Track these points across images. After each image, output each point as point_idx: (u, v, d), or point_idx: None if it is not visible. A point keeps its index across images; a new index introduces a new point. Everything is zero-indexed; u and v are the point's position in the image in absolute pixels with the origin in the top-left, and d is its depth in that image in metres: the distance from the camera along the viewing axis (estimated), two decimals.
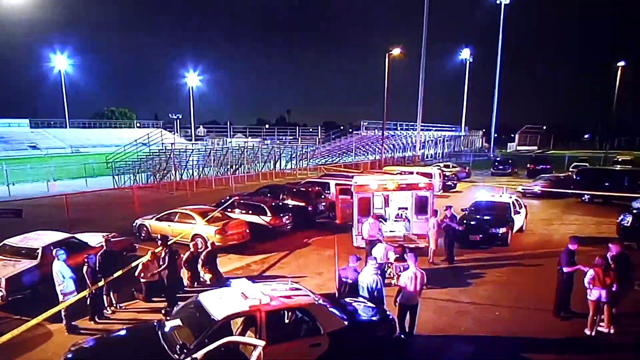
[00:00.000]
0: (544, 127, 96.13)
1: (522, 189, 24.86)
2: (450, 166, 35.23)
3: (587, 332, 8.47)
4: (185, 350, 5.85)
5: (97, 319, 9.09)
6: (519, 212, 15.91)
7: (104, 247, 9.54)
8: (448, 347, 8.20)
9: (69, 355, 6.45)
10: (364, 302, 7.92)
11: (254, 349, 5.68)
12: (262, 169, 38.41)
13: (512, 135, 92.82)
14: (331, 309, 7.12)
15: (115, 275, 9.29)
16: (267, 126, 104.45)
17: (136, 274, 9.88)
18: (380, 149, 46.25)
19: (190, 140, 67.40)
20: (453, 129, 71.10)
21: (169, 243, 10.21)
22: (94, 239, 11.95)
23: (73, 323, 8.68)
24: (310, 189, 19.47)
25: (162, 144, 34.42)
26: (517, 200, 16.66)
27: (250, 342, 5.92)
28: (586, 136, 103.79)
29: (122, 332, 7.42)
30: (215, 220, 14.17)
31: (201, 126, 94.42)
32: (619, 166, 33.22)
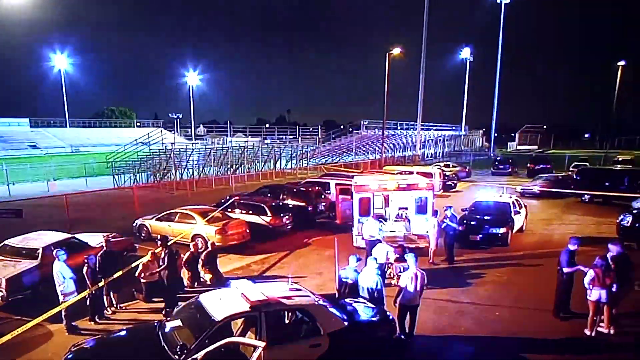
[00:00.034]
0: (544, 127, 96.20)
1: (522, 189, 24.82)
2: (451, 166, 35.21)
3: (587, 332, 8.47)
4: (185, 351, 5.85)
5: (97, 320, 9.10)
6: (519, 212, 15.91)
7: (104, 248, 9.54)
8: (448, 347, 8.20)
9: (70, 356, 6.46)
10: (364, 303, 7.92)
11: (254, 350, 5.70)
12: (262, 168, 38.41)
13: (513, 135, 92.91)
14: (331, 310, 7.13)
15: (115, 275, 9.30)
16: (267, 125, 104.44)
17: (136, 274, 9.88)
18: (381, 148, 46.24)
19: (191, 139, 67.37)
20: (453, 128, 71.10)
21: (168, 243, 10.21)
22: (94, 239, 11.96)
23: (73, 323, 8.68)
24: (310, 189, 19.48)
25: (162, 143, 34.43)
26: (517, 200, 16.66)
27: (250, 343, 5.94)
28: (586, 136, 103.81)
29: (123, 333, 7.42)
30: (215, 220, 14.18)
31: (201, 125, 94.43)
32: (619, 166, 33.22)
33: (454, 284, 11.16)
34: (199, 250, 11.66)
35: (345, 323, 6.97)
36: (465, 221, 14.43)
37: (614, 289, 8.14)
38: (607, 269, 8.15)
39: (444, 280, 11.31)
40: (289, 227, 16.24)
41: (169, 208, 15.75)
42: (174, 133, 69.83)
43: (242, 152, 37.70)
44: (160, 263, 9.80)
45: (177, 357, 5.88)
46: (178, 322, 6.74)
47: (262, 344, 5.75)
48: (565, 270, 8.94)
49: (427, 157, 57.57)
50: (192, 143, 55.21)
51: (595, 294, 8.23)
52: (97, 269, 9.03)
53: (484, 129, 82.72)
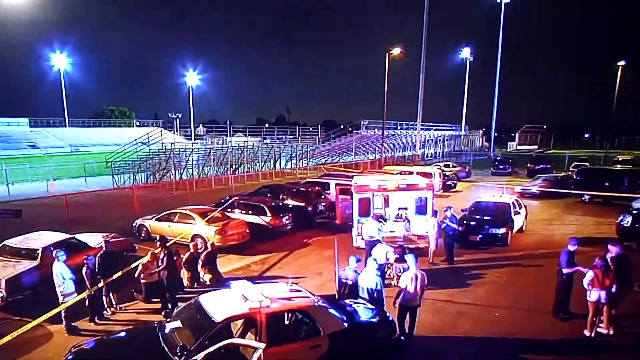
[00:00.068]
0: (544, 127, 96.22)
1: (521, 189, 24.80)
2: (450, 166, 35.21)
3: (587, 333, 8.47)
4: (185, 352, 5.85)
5: (97, 320, 9.10)
6: (519, 213, 15.91)
7: (104, 249, 9.54)
8: (447, 348, 8.21)
9: (70, 357, 6.46)
10: (364, 304, 7.93)
11: (255, 351, 5.70)
12: (261, 168, 38.41)
13: (513, 135, 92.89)
14: (331, 311, 7.13)
15: (115, 276, 9.29)
16: (266, 125, 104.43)
17: (136, 274, 9.88)
18: (380, 148, 46.25)
19: (190, 139, 67.37)
20: (453, 128, 71.10)
21: (168, 244, 10.22)
22: (94, 239, 11.97)
23: (73, 324, 8.69)
24: (310, 189, 19.47)
25: (162, 143, 34.42)
26: (517, 200, 16.66)
27: (250, 345, 5.94)
28: (586, 135, 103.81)
29: (123, 334, 7.41)
30: (215, 221, 14.18)
31: (201, 125, 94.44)
32: (619, 166, 33.23)
33: (453, 285, 11.17)
34: (199, 251, 11.66)
35: (345, 324, 6.97)
36: (465, 221, 14.45)
37: (613, 290, 8.15)
38: (606, 270, 8.16)
39: (444, 280, 11.31)
40: (288, 227, 16.23)
41: (169, 208, 15.75)
42: (174, 133, 69.81)
43: (242, 152, 37.70)
44: (159, 264, 9.80)
45: (177, 358, 5.88)
46: (178, 323, 6.74)
47: (262, 345, 5.75)
48: (565, 270, 8.94)
49: (427, 157, 57.60)
50: (192, 143, 55.22)
51: (594, 294, 8.23)
52: (96, 270, 9.02)
53: (484, 129, 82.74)
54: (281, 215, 16.07)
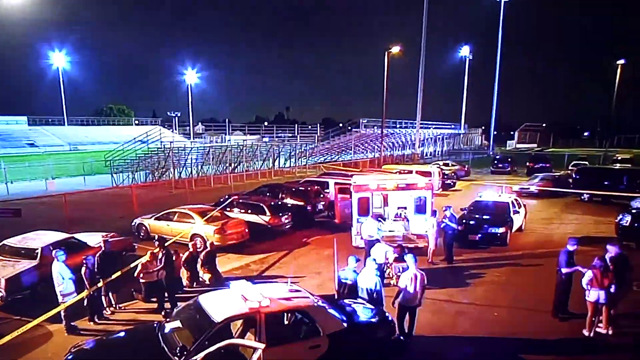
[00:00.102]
0: (544, 125, 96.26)
1: (519, 188, 24.77)
2: (450, 164, 35.20)
3: (586, 333, 8.49)
4: (185, 352, 5.86)
5: (96, 320, 9.09)
6: (518, 212, 15.91)
7: (103, 248, 9.54)
8: (447, 348, 8.22)
9: (70, 357, 6.46)
10: (363, 304, 7.93)
11: (254, 352, 5.70)
12: (261, 167, 38.39)
13: (512, 133, 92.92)
14: (330, 311, 7.13)
15: (114, 276, 9.29)
16: (265, 124, 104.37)
17: (135, 274, 9.87)
18: (380, 147, 46.25)
19: (189, 137, 67.31)
20: (452, 126, 71.13)
21: (166, 244, 10.22)
22: (93, 239, 11.96)
23: (73, 324, 8.68)
24: (309, 188, 19.46)
25: (161, 142, 34.39)
26: (516, 199, 16.67)
27: (250, 345, 5.94)
28: (586, 134, 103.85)
29: (122, 334, 7.40)
30: (214, 220, 14.17)
31: (200, 124, 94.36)
32: (618, 165, 33.27)
33: (453, 284, 11.18)
34: (198, 250, 11.65)
35: (345, 324, 6.98)
36: (464, 221, 14.45)
37: (612, 290, 8.16)
38: (605, 270, 8.17)
39: (443, 280, 11.32)
40: (287, 226, 16.23)
41: (168, 207, 15.73)
42: (173, 131, 69.75)
43: (241, 150, 37.68)
44: (158, 263, 9.79)
45: (176, 358, 5.88)
46: (177, 323, 6.74)
47: (262, 345, 5.75)
48: (564, 270, 8.95)
49: (426, 155, 57.63)
50: (191, 141, 55.18)
51: (593, 294, 8.24)
52: (95, 270, 9.01)
53: (483, 127, 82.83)
54: (280, 214, 16.06)
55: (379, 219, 13.32)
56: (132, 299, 10.07)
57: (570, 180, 25.40)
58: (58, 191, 22.09)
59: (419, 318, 8.28)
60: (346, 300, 8.10)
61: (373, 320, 7.45)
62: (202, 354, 5.80)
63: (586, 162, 36.31)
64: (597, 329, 8.50)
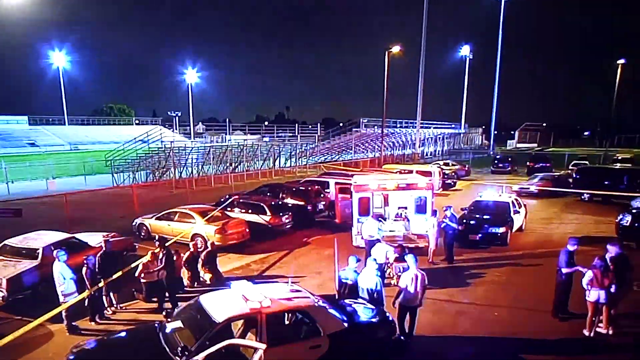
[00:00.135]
0: (544, 124, 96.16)
1: (518, 188, 24.75)
2: (450, 164, 35.18)
3: (586, 333, 8.50)
4: (186, 353, 5.87)
5: (97, 320, 9.11)
6: (518, 212, 15.92)
7: (103, 249, 9.55)
8: (447, 348, 8.23)
9: (71, 357, 6.46)
10: (364, 304, 7.94)
11: (255, 352, 5.72)
12: (261, 167, 38.40)
13: (512, 133, 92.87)
14: (331, 311, 7.15)
15: (115, 276, 9.31)
16: (266, 123, 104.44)
17: (136, 274, 9.89)
18: (380, 146, 46.26)
19: (189, 137, 67.37)
20: (453, 126, 71.13)
21: (167, 244, 10.24)
22: (94, 238, 11.98)
23: (74, 323, 8.70)
24: (309, 188, 19.48)
25: (162, 141, 34.40)
26: (516, 199, 16.68)
27: (251, 345, 5.95)
28: (586, 133, 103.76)
29: (123, 334, 7.43)
30: (215, 220, 14.19)
31: (200, 123, 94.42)
32: (618, 164, 33.25)
33: (453, 284, 11.19)
34: (199, 250, 11.67)
35: (345, 324, 6.99)
36: (464, 220, 14.45)
37: (612, 290, 8.17)
38: (605, 270, 8.18)
39: (444, 280, 11.33)
40: (288, 226, 16.24)
41: (168, 207, 15.75)
42: (173, 131, 69.80)
43: (241, 150, 37.70)
44: (158, 263, 9.81)
45: (178, 358, 5.90)
46: (179, 323, 6.76)
47: (263, 345, 5.77)
48: (564, 270, 8.96)
49: (427, 155, 57.61)
50: (191, 141, 55.21)
51: (593, 294, 8.25)
52: (96, 270, 9.03)
53: (484, 127, 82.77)
54: (281, 214, 16.07)
55: (380, 218, 13.33)
56: (133, 299, 10.09)
57: (571, 180, 25.39)
58: (59, 191, 22.14)
59: (420, 318, 8.29)
60: (347, 300, 8.11)
61: (374, 320, 7.46)
62: (203, 354, 5.82)
63: (586, 162, 36.30)
64: (598, 329, 8.51)
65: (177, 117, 76.91)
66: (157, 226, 14.96)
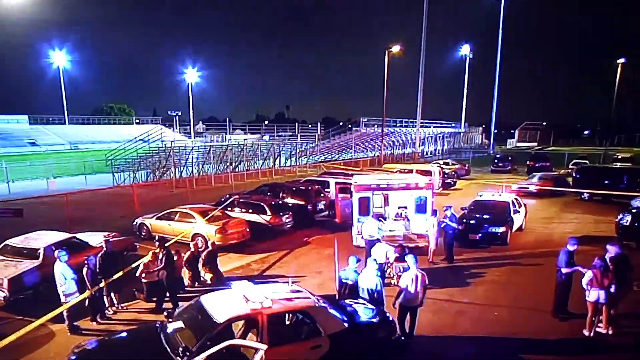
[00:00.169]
0: (544, 123, 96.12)
1: (517, 187, 24.65)
2: (450, 163, 35.20)
3: (586, 332, 8.52)
4: (187, 353, 5.89)
5: (98, 320, 9.14)
6: (518, 211, 15.93)
7: (104, 249, 9.57)
8: (447, 348, 8.25)
9: (72, 357, 6.48)
10: (364, 304, 7.96)
11: (256, 352, 5.74)
12: (261, 166, 38.42)
13: (512, 132, 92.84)
14: (331, 311, 7.17)
15: (116, 276, 9.33)
16: (266, 122, 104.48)
17: (137, 274, 9.91)
18: (380, 145, 46.26)
19: (189, 137, 67.38)
20: (453, 125, 71.10)
21: (166, 244, 10.26)
22: (95, 238, 12.00)
23: (75, 323, 8.72)
24: (309, 188, 19.49)
25: (162, 141, 34.41)
26: (516, 199, 16.69)
27: (252, 346, 5.98)
28: (586, 133, 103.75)
29: (124, 334, 7.46)
30: (215, 220, 14.21)
31: (200, 123, 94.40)
32: (618, 164, 33.26)
33: (453, 284, 11.21)
34: (200, 250, 11.69)
35: (346, 324, 7.01)
36: (464, 220, 14.47)
37: (612, 290, 8.18)
38: (605, 270, 8.19)
39: (444, 279, 11.35)
40: (288, 226, 16.25)
41: (169, 206, 15.77)
42: (173, 130, 69.81)
43: (242, 149, 37.71)
44: (158, 264, 9.83)
45: (179, 358, 5.92)
46: (180, 324, 6.77)
47: (264, 346, 5.79)
48: (564, 270, 8.98)
49: (427, 154, 57.60)
50: (192, 140, 55.22)
51: (593, 294, 8.27)
52: (97, 270, 9.05)
53: (484, 126, 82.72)
54: (281, 213, 16.09)
55: (380, 218, 13.35)
56: (134, 299, 10.12)
57: (570, 180, 25.39)
58: (59, 190, 22.16)
59: (420, 318, 8.31)
60: (347, 301, 8.13)
61: (374, 320, 7.48)
62: (204, 355, 5.84)
63: (586, 161, 36.30)
64: (597, 329, 8.53)
65: (177, 117, 76.81)
66: (158, 226, 14.97)
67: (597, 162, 37.63)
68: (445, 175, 28.07)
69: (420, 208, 14.08)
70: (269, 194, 19.04)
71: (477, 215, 15.09)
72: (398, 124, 57.31)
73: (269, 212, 15.77)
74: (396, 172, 25.43)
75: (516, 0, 69.70)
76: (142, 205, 19.51)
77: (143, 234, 15.43)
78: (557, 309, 9.27)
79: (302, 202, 18.04)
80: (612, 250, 8.57)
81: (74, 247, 10.58)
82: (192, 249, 11.44)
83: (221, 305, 6.65)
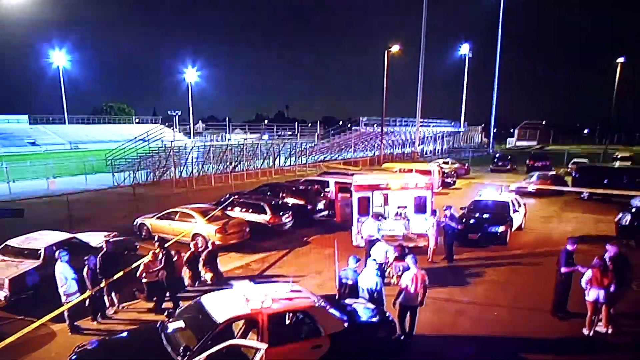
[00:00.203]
0: (543, 122, 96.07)
1: (516, 187, 24.61)
2: (450, 163, 35.16)
3: (585, 332, 8.54)
4: (188, 353, 5.91)
5: (99, 319, 9.16)
6: (518, 211, 15.95)
7: (104, 249, 9.59)
8: (447, 347, 8.27)
9: (74, 357, 6.51)
10: (364, 303, 7.98)
11: (256, 352, 5.75)
12: (261, 165, 38.41)
13: (512, 131, 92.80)
14: (331, 311, 7.19)
15: (116, 276, 9.35)
16: (266, 122, 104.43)
17: (138, 274, 9.93)
18: (380, 145, 46.27)
19: (189, 136, 67.37)
20: (452, 124, 71.08)
21: (166, 245, 10.27)
22: (96, 238, 12.02)
23: (76, 323, 8.75)
24: (309, 187, 19.50)
25: (162, 140, 34.40)
26: (516, 198, 16.70)
27: (252, 345, 5.99)
28: (586, 132, 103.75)
29: (125, 334, 7.48)
30: (215, 219, 14.22)
31: (200, 122, 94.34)
32: (618, 163, 33.27)
33: (453, 283, 11.22)
34: (200, 250, 11.70)
35: (346, 324, 7.03)
36: (464, 220, 14.49)
37: (611, 289, 8.20)
38: (604, 270, 8.21)
39: (443, 279, 11.35)
40: (288, 225, 16.27)
41: (169, 206, 15.78)
42: (173, 130, 69.77)
43: (241, 149, 37.72)
44: (158, 264, 9.85)
45: (180, 358, 5.94)
46: (180, 324, 6.80)
47: (264, 346, 5.81)
48: (563, 270, 8.99)
49: (426, 153, 57.59)
50: (192, 140, 55.22)
51: (593, 294, 8.29)
52: (97, 271, 9.06)
53: (483, 125, 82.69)
54: (281, 213, 16.10)
55: (380, 218, 13.37)
56: (135, 299, 10.14)
57: (570, 179, 25.39)
58: (59, 190, 22.19)
59: (420, 317, 8.33)
60: (347, 300, 8.15)
61: (374, 320, 7.50)
62: (204, 354, 5.86)
63: (586, 160, 36.30)
64: (597, 328, 8.55)
65: (177, 116, 76.71)
66: (158, 226, 14.99)
67: (597, 161, 37.63)
68: (445, 175, 28.06)
69: (420, 208, 14.09)
70: (268, 193, 19.05)
71: (477, 215, 15.11)
72: (398, 124, 57.29)
73: (268, 212, 15.78)
74: (396, 171, 25.46)
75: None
76: (143, 204, 19.49)
77: (143, 234, 15.44)
78: (557, 309, 9.29)
79: (302, 202, 18.05)
80: (611, 250, 8.59)
81: (75, 247, 10.58)
82: (192, 249, 11.45)
83: (221, 305, 6.67)
